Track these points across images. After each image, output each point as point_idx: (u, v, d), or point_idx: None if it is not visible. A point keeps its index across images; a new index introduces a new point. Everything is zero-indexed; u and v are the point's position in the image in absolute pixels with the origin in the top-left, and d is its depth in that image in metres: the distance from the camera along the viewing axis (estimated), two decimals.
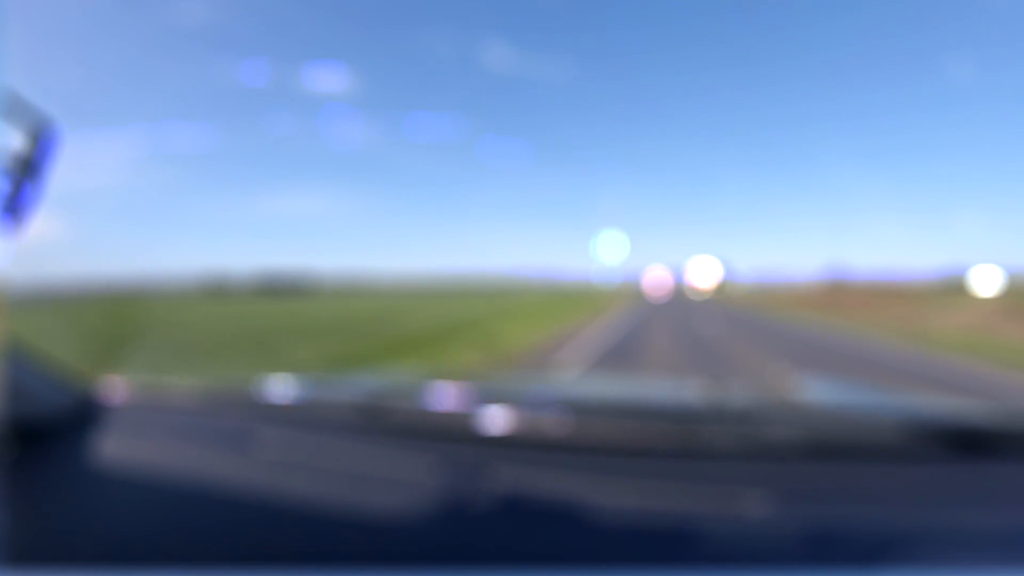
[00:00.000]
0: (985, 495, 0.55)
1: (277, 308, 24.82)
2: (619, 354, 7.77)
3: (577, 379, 3.08)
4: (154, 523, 0.56)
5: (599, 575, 0.47)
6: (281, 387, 0.83)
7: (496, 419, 0.67)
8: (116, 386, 0.82)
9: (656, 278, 70.61)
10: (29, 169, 0.62)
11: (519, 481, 0.58)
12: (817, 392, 1.26)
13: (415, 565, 0.48)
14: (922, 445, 0.61)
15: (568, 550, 0.49)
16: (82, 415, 0.72)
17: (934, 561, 0.46)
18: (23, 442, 0.64)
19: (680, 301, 35.04)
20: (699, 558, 0.47)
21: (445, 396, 0.77)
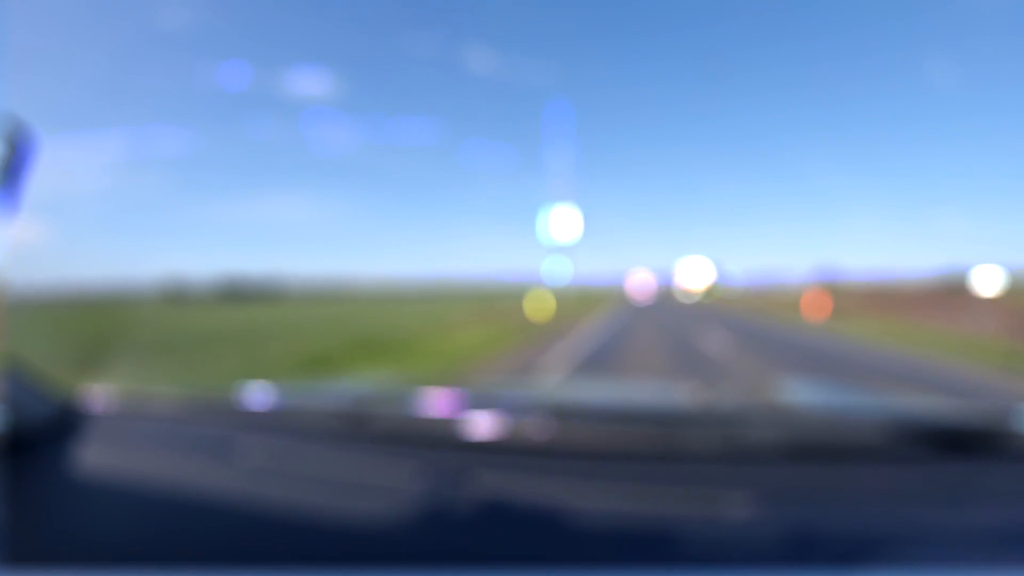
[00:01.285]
0: (967, 495, 0.56)
1: (221, 315, 24.09)
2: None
3: (560, 383, 3.12)
4: (136, 532, 0.57)
5: None
6: (262, 395, 0.86)
7: (479, 424, 0.70)
8: (98, 395, 0.85)
9: (640, 281, 70.65)
10: (8, 175, 0.66)
11: (502, 486, 0.60)
12: (799, 394, 1.32)
13: (398, 572, 0.49)
14: (904, 445, 0.64)
15: (551, 555, 0.50)
16: (64, 424, 0.75)
17: (916, 561, 0.47)
18: (4, 453, 0.66)
19: (666, 304, 33.80)
20: (682, 561, 0.49)
21: (427, 402, 0.81)
